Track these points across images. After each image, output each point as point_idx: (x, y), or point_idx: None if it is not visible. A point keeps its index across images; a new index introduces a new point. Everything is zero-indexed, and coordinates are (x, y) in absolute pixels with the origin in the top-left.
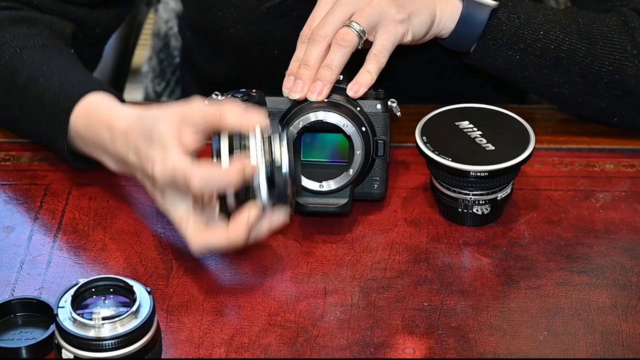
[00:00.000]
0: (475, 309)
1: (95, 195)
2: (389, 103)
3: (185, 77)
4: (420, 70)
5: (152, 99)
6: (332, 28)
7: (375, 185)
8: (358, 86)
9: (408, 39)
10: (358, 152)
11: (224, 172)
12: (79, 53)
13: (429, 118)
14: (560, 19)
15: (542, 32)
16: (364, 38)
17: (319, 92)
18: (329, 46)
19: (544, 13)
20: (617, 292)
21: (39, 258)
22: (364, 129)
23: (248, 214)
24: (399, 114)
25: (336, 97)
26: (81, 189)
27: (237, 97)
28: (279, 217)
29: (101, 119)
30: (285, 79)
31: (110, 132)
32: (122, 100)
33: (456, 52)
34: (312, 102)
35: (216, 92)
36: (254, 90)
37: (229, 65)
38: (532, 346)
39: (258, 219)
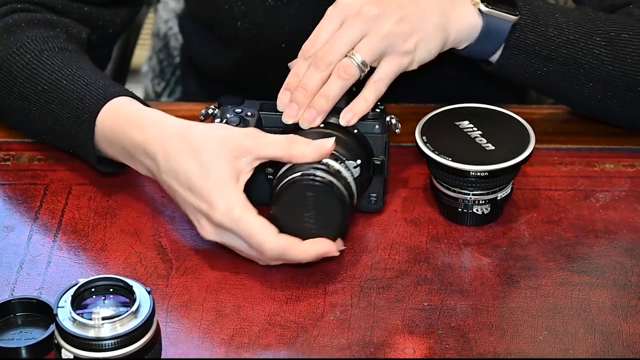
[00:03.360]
0: (475, 309)
1: (95, 195)
2: (388, 119)
3: (186, 76)
4: (420, 70)
5: (152, 99)
6: (337, 56)
7: (373, 201)
8: (351, 115)
9: (412, 68)
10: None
11: (303, 251)
12: (90, 55)
13: (429, 118)
14: (580, 22)
15: (564, 38)
16: (365, 71)
17: (310, 120)
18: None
19: (563, 17)
20: (617, 292)
21: (38, 258)
22: (359, 161)
23: (327, 246)
24: (397, 130)
25: (333, 120)
26: (81, 188)
27: (233, 123)
28: (341, 244)
29: (131, 120)
30: (280, 92)
31: (142, 134)
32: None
33: (472, 60)
34: (305, 131)
35: (212, 106)
36: (249, 114)
37: (234, 61)
38: (532, 346)
39: (330, 255)
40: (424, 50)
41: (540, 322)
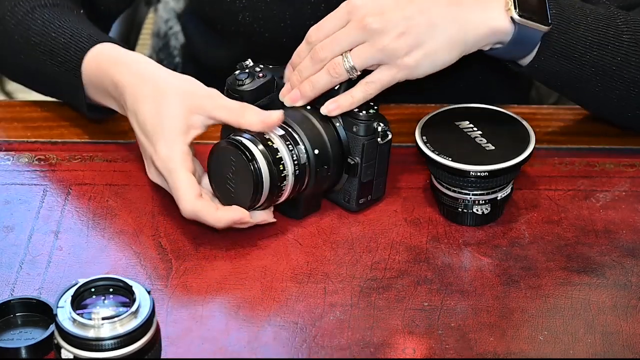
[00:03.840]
0: (475, 309)
1: (94, 195)
2: (375, 126)
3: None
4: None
5: None
6: (331, 54)
7: (347, 199)
8: (334, 106)
9: (413, 78)
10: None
11: (215, 218)
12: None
13: (429, 118)
14: (608, 23)
15: (594, 39)
16: (355, 75)
17: (293, 99)
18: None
19: (592, 18)
20: (617, 292)
21: (38, 258)
22: (316, 151)
23: (239, 214)
24: (379, 139)
25: (318, 105)
26: (81, 188)
27: (242, 77)
28: (266, 216)
29: (112, 61)
30: (287, 68)
31: (119, 76)
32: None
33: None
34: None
35: (250, 59)
36: (260, 75)
37: (235, 56)
38: (532, 346)
39: (244, 223)
40: (428, 64)
41: (540, 322)
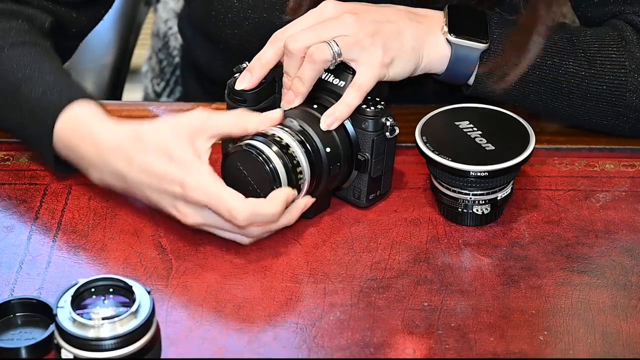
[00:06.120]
0: (475, 309)
1: (94, 195)
2: (383, 121)
3: (185, 75)
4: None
5: (151, 99)
6: (303, 44)
7: (356, 195)
8: (332, 119)
9: (386, 79)
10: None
11: (270, 203)
12: (53, 46)
13: (429, 118)
14: (555, 43)
15: (538, 59)
16: (338, 60)
17: (288, 101)
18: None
19: (537, 39)
20: (617, 292)
21: (38, 258)
22: (328, 150)
23: (288, 190)
24: (388, 134)
25: (325, 102)
26: (81, 188)
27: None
28: (307, 200)
29: (83, 134)
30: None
31: (95, 148)
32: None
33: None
34: (292, 109)
35: (246, 62)
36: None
37: (234, 66)
38: (532, 346)
39: (293, 197)
40: (400, 67)
41: (540, 322)
